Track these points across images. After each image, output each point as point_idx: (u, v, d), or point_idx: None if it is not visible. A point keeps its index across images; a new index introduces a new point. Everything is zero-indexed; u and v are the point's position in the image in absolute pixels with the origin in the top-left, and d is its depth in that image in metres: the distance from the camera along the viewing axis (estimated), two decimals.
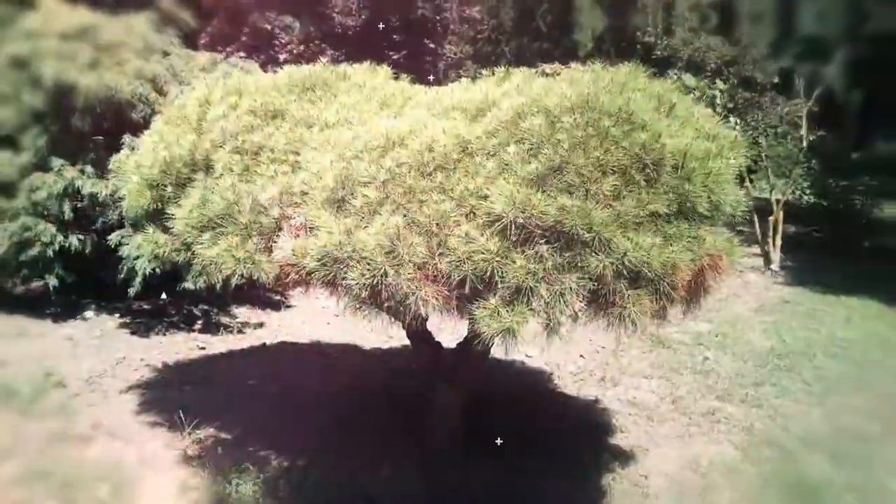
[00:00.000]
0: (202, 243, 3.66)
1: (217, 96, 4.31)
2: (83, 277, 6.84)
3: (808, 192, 12.24)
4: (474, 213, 3.07)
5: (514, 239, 2.98)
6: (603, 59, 3.93)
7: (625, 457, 4.95)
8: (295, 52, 10.80)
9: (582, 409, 5.74)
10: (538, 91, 3.40)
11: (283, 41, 10.89)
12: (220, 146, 3.95)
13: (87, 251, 6.60)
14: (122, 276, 6.39)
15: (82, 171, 6.53)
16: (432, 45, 12.63)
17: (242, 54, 9.81)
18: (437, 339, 4.69)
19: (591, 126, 3.11)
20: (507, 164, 3.14)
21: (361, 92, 4.12)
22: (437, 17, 12.14)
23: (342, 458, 4.56)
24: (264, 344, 6.75)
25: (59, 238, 6.42)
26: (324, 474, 4.37)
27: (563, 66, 3.87)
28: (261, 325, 7.26)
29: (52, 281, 6.56)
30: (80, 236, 6.58)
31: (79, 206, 6.64)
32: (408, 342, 4.83)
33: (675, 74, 10.51)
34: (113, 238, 5.75)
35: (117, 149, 6.05)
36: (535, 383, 6.20)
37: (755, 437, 5.32)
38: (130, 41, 6.94)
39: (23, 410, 4.94)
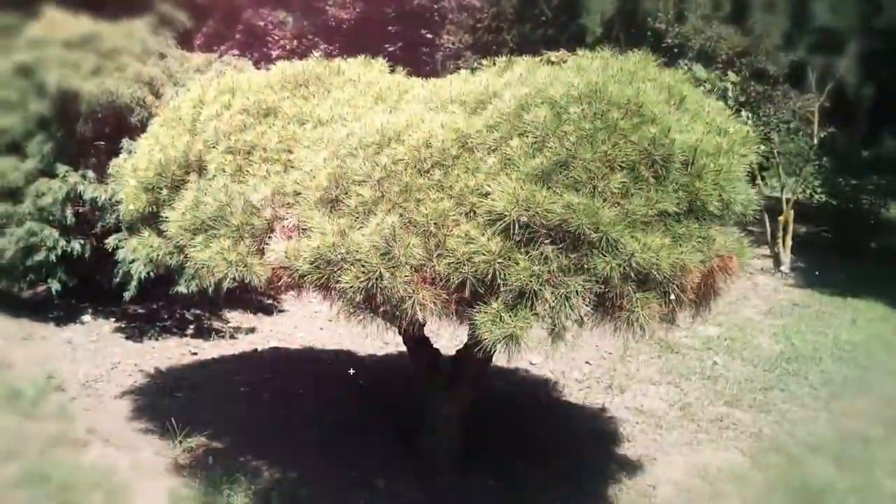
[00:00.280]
0: (195, 246, 3.60)
1: (211, 96, 4.26)
2: (82, 281, 6.88)
3: (818, 190, 12.09)
4: (474, 212, 2.94)
5: (517, 239, 2.84)
6: (612, 45, 3.79)
7: (632, 466, 4.84)
8: (288, 47, 10.66)
9: (588, 418, 5.62)
10: (543, 80, 3.24)
11: (276, 37, 10.76)
12: (213, 146, 3.89)
13: (86, 255, 6.64)
14: (117, 279, 6.42)
15: (84, 176, 6.57)
16: (430, 36, 12.36)
17: (236, 52, 9.71)
18: (435, 346, 4.56)
19: (598, 118, 2.97)
20: (509, 160, 2.99)
21: (356, 87, 4.01)
22: (435, 6, 11.89)
23: (335, 469, 4.46)
24: (256, 350, 6.68)
25: (62, 243, 6.47)
26: (316, 487, 4.26)
27: (569, 54, 3.71)
28: (252, 330, 7.18)
29: (55, 285, 6.59)
30: (81, 241, 6.62)
31: (80, 210, 6.68)
32: (404, 349, 4.71)
33: (686, 65, 10.31)
34: (110, 242, 5.72)
35: (116, 153, 6.09)
36: (538, 392, 6.07)
37: (763, 443, 5.26)
38: (130, 46, 7.01)
39: (25, 413, 4.99)
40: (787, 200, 11.06)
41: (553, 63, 3.73)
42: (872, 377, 6.76)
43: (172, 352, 6.41)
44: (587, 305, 2.89)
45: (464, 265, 2.86)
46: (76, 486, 4.17)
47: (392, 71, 4.44)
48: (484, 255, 2.83)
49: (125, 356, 6.16)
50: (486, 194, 2.92)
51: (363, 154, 3.21)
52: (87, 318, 6.92)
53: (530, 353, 6.31)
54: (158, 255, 3.99)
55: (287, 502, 4.11)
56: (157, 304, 7.25)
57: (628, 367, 6.58)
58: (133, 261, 5.70)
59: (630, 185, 2.94)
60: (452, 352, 4.60)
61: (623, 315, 2.95)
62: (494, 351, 2.88)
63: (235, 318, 7.42)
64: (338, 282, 3.00)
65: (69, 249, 6.49)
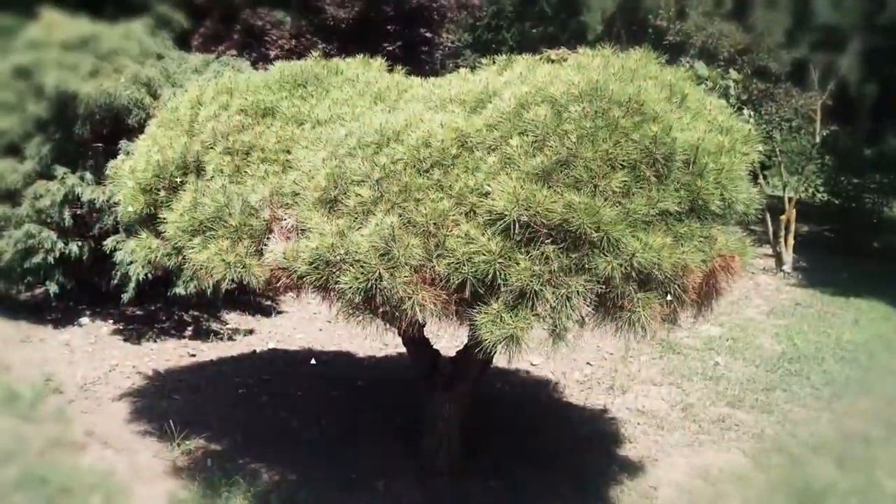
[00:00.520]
0: (193, 247, 3.57)
1: (208, 96, 4.23)
2: (80, 283, 6.86)
3: (821, 189, 12.05)
4: (474, 212, 2.90)
5: (517, 239, 2.81)
6: (613, 43, 3.75)
7: (633, 468, 4.80)
8: (286, 47, 10.58)
9: (589, 419, 5.58)
10: (543, 79, 3.21)
11: (274, 37, 10.70)
12: (211, 147, 3.86)
13: (84, 257, 6.61)
14: (115, 281, 6.38)
15: (82, 178, 6.54)
16: (429, 35, 12.28)
17: (234, 53, 9.65)
18: (435, 347, 4.52)
19: (599, 117, 2.94)
20: (509, 159, 2.96)
21: (354, 86, 3.98)
22: (434, 5, 11.82)
23: (335, 471, 4.43)
24: (255, 351, 6.64)
25: (60, 245, 6.44)
26: (316, 488, 4.23)
27: (569, 51, 3.68)
28: (251, 331, 7.14)
29: (53, 287, 6.57)
30: (79, 243, 6.59)
31: (78, 212, 6.65)
32: (404, 350, 4.67)
33: (688, 62, 10.28)
34: (108, 243, 5.70)
35: (114, 154, 6.05)
36: (539, 392, 6.04)
37: (765, 444, 5.22)
38: (128, 47, 7.00)
39: (23, 415, 4.97)
40: (790, 199, 11.03)
41: (553, 61, 3.69)
42: (875, 377, 6.74)
43: (171, 353, 6.38)
44: (588, 306, 2.86)
45: (464, 265, 2.82)
46: (74, 488, 4.15)
47: (391, 70, 4.40)
48: (484, 255, 2.80)
49: (123, 358, 6.12)
50: (486, 194, 2.89)
51: (362, 154, 3.18)
52: (85, 320, 6.89)
53: (531, 354, 6.26)
54: (156, 257, 3.96)
55: None
56: (156, 306, 7.23)
57: (630, 368, 6.55)
58: (131, 262, 5.70)
59: (631, 184, 2.91)
60: (452, 352, 4.56)
61: (624, 315, 2.92)
62: (495, 352, 2.85)
63: (234, 319, 7.39)
64: (337, 282, 2.97)
65: (67, 251, 6.46)
